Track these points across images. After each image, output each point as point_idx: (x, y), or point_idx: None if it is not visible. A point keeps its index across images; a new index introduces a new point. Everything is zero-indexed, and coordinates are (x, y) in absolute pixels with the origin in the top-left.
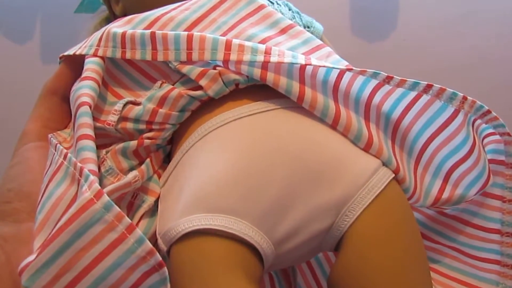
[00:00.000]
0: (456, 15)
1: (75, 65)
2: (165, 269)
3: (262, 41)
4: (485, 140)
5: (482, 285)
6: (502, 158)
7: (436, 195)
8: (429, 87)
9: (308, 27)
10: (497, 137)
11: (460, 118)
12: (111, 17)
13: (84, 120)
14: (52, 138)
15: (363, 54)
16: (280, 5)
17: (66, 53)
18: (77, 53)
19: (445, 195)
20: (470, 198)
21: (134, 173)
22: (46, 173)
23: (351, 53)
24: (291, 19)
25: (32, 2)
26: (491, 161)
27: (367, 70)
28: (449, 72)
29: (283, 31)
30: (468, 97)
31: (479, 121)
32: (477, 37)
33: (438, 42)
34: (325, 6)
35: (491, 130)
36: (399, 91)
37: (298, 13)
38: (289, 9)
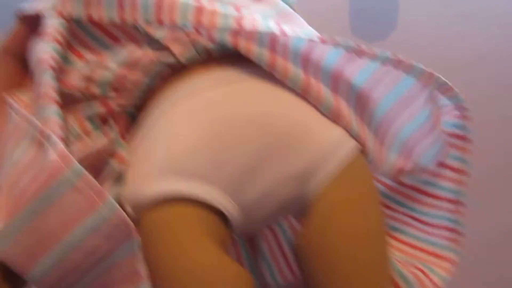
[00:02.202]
0: (456, 15)
1: (32, 22)
2: (137, 235)
3: (235, 8)
4: (444, 114)
5: (433, 249)
6: (459, 132)
7: (396, 165)
8: (398, 62)
9: None
10: (455, 111)
11: (425, 94)
12: None
13: (47, 83)
14: (12, 102)
15: None
16: None
17: (24, 10)
18: (37, 10)
19: (405, 165)
20: (428, 168)
21: (101, 139)
22: (5, 133)
23: None
24: None
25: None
26: (449, 134)
27: (340, 42)
28: (448, 72)
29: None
30: (434, 73)
31: (439, 94)
32: (477, 37)
33: (438, 42)
34: (325, 6)
35: (449, 103)
36: (370, 65)
37: None
38: None
